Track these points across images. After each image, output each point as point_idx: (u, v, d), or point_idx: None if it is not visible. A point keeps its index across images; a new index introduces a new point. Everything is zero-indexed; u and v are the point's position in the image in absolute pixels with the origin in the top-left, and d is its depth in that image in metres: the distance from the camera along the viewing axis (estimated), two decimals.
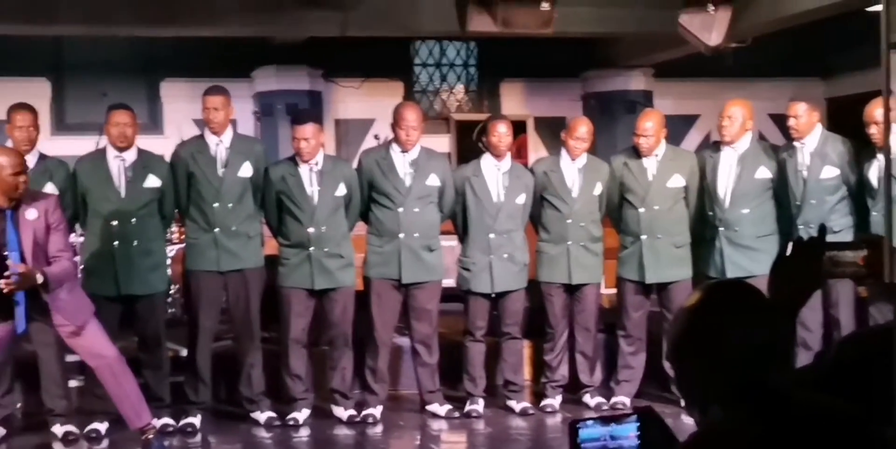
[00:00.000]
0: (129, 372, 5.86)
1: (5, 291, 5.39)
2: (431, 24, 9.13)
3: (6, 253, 5.47)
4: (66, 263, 5.68)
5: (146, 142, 7.00)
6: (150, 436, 5.94)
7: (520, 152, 10.43)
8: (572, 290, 7.05)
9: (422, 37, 11.56)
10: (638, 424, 2.27)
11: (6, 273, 5.38)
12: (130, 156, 6.49)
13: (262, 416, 6.71)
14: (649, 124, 6.92)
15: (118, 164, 6.47)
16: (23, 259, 5.52)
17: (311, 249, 6.57)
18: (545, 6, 7.88)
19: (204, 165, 6.62)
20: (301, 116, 7.00)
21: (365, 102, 11.25)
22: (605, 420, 2.31)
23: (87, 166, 6.52)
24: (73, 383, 6.69)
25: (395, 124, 6.79)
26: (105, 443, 6.41)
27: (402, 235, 6.71)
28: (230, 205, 6.60)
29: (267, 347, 6.94)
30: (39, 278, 5.47)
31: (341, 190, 6.68)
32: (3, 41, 10.14)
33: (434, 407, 6.89)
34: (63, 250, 5.68)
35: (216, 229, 6.58)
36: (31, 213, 5.58)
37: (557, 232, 6.99)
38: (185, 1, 8.69)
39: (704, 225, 6.96)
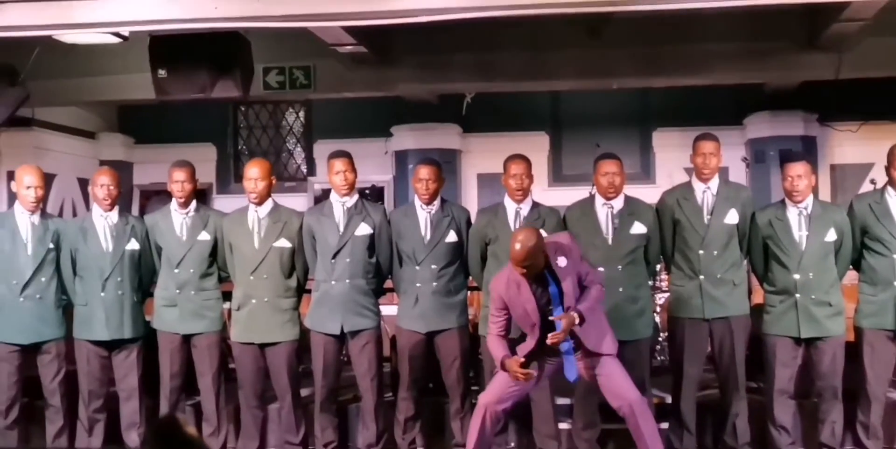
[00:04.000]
0: (649, 414, 5.87)
1: (550, 342, 5.65)
2: None
3: (551, 308, 5.73)
4: (598, 286, 5.77)
5: (637, 190, 7.13)
6: None
7: None
8: None
9: None
10: None
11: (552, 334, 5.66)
12: (618, 203, 6.63)
13: None
14: None
15: (605, 211, 6.62)
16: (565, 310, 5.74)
17: (798, 295, 6.38)
18: None
19: (689, 212, 6.63)
20: (793, 155, 6.86)
21: (863, 146, 10.81)
22: None
23: (576, 214, 6.73)
24: (563, 426, 6.90)
25: (890, 165, 6.47)
26: None
27: None
28: (715, 252, 6.54)
29: (753, 397, 6.80)
30: (576, 319, 5.63)
31: (831, 236, 6.43)
32: (506, 98, 10.79)
33: None
34: (587, 274, 5.77)
35: (701, 276, 6.56)
36: (561, 261, 5.71)
37: None
38: (677, 51, 8.81)
39: None
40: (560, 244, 5.79)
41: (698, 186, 6.66)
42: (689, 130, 7.68)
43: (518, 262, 5.60)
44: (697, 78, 9.26)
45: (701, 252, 6.55)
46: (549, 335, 5.63)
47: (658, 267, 7.54)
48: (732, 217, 6.58)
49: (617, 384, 5.82)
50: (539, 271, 5.67)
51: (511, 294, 5.77)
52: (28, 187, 6.85)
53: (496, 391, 5.86)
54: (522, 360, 5.74)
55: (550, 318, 5.67)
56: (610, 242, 6.55)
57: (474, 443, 5.88)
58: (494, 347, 5.87)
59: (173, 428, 0.75)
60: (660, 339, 8.36)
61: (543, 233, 6.43)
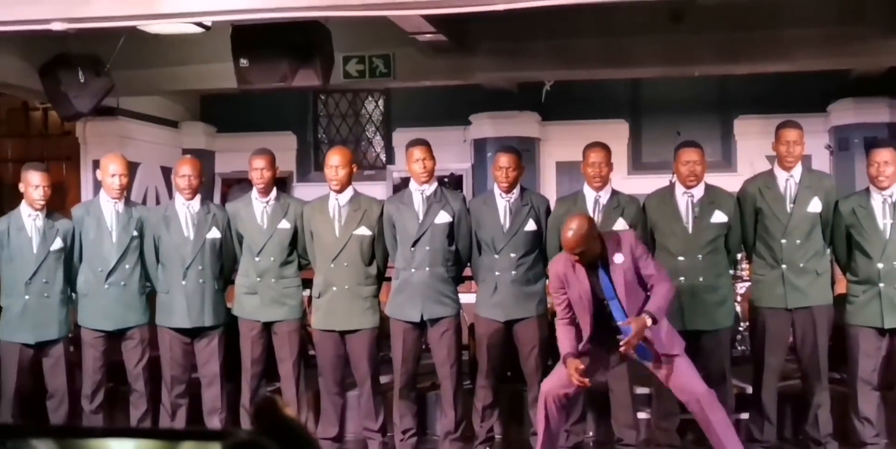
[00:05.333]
0: (719, 407, 5.79)
1: (623, 351, 5.63)
2: None
3: (606, 302, 5.69)
4: (666, 285, 5.65)
5: (718, 179, 7.07)
6: None
7: None
8: None
9: None
10: None
11: (621, 337, 5.63)
12: (699, 192, 6.57)
13: None
14: None
15: (686, 200, 6.57)
16: (620, 303, 5.68)
17: (881, 285, 6.27)
18: None
19: (772, 201, 6.55)
20: (879, 141, 6.77)
21: None
22: None
23: (655, 202, 6.68)
24: (641, 415, 6.87)
25: None
26: None
27: None
28: (798, 241, 6.46)
29: (836, 387, 6.71)
30: (648, 321, 5.53)
31: None
32: (585, 86, 10.73)
33: None
34: (656, 272, 5.66)
35: (783, 266, 6.48)
36: (618, 258, 5.65)
37: None
38: (760, 36, 8.69)
39: None
40: (621, 240, 5.73)
41: (781, 175, 6.58)
42: (772, 118, 7.59)
43: (570, 248, 5.59)
44: (781, 64, 9.13)
45: (783, 241, 6.47)
46: (621, 342, 5.59)
47: (739, 256, 7.46)
48: (815, 206, 6.49)
49: (683, 379, 5.75)
50: (593, 259, 5.64)
51: (569, 276, 5.75)
52: (113, 175, 6.96)
53: (558, 378, 5.83)
54: (582, 367, 5.68)
55: (620, 323, 5.62)
56: (690, 230, 6.50)
57: (542, 430, 5.87)
58: (562, 338, 5.84)
59: (273, 409, 0.77)
60: (740, 328, 8.29)
61: (623, 223, 6.44)
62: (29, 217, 6.88)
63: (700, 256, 6.45)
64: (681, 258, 6.43)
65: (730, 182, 7.21)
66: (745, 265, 8.17)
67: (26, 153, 11.15)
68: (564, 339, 5.81)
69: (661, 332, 5.67)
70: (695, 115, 11.24)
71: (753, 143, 10.57)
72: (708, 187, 6.60)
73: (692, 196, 6.54)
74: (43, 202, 6.86)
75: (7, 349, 6.90)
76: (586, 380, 5.66)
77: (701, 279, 6.43)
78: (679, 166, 6.56)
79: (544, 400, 5.83)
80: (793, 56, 8.82)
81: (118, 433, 0.82)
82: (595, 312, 5.70)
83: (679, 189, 6.59)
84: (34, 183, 6.84)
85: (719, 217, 6.51)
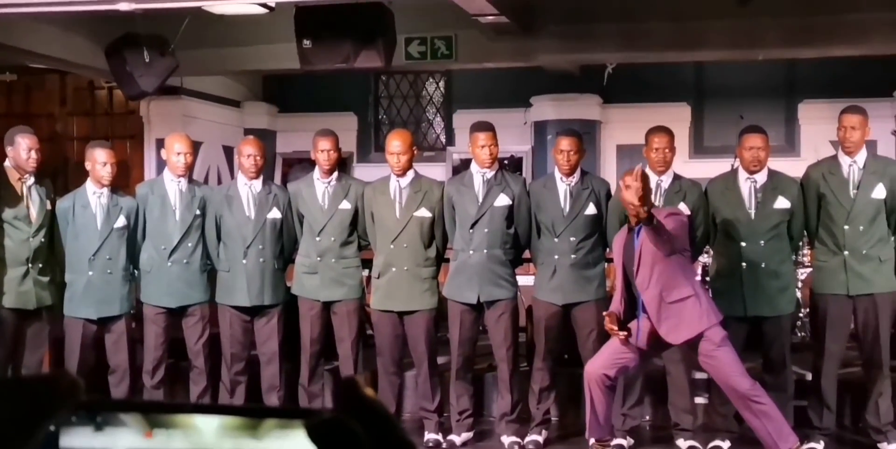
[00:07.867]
0: (767, 402, 5.68)
1: (624, 183, 5.49)
2: None
3: (635, 270, 5.69)
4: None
5: (781, 164, 7.01)
6: None
7: None
8: None
9: None
10: None
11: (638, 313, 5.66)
12: (762, 177, 6.52)
13: (889, 447, 6.42)
14: None
15: (749, 185, 6.52)
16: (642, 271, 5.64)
17: None
18: None
19: (835, 187, 6.48)
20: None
21: None
22: None
23: (718, 188, 6.63)
24: (699, 400, 6.85)
25: None
26: None
27: None
28: (861, 227, 6.39)
29: None
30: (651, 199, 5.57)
31: None
32: (648, 69, 10.67)
33: None
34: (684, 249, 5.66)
35: (846, 252, 6.41)
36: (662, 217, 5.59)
37: None
38: (828, 20, 8.59)
39: None
40: (661, 212, 5.70)
41: (844, 160, 6.50)
42: (837, 102, 7.51)
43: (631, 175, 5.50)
44: (849, 49, 9.01)
45: (846, 227, 6.41)
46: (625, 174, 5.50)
47: (800, 242, 7.40)
48: (879, 192, 6.41)
49: (723, 373, 5.69)
50: (646, 213, 5.40)
51: (616, 245, 5.81)
52: (178, 154, 7.03)
53: (601, 359, 5.82)
54: (616, 315, 5.65)
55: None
56: (753, 216, 6.45)
57: (589, 411, 5.86)
58: (612, 301, 5.86)
59: (354, 389, 0.78)
60: (801, 315, 8.22)
61: (685, 207, 6.40)
62: (94, 194, 6.97)
63: (762, 241, 6.40)
64: (743, 244, 6.39)
65: (793, 167, 7.14)
66: (806, 251, 8.10)
67: (91, 131, 11.30)
68: (613, 301, 5.83)
69: (669, 315, 5.58)
70: (758, 99, 11.13)
71: (818, 127, 10.45)
72: (771, 173, 6.53)
73: (755, 182, 6.49)
74: (110, 179, 6.95)
75: (70, 325, 7.01)
76: (614, 327, 5.60)
77: (763, 265, 6.38)
78: (742, 152, 6.50)
79: (587, 382, 5.82)
80: (860, 40, 8.71)
81: (204, 410, 0.84)
82: (625, 281, 5.70)
83: (742, 174, 6.53)
84: (101, 160, 6.93)
85: (782, 203, 6.45)
